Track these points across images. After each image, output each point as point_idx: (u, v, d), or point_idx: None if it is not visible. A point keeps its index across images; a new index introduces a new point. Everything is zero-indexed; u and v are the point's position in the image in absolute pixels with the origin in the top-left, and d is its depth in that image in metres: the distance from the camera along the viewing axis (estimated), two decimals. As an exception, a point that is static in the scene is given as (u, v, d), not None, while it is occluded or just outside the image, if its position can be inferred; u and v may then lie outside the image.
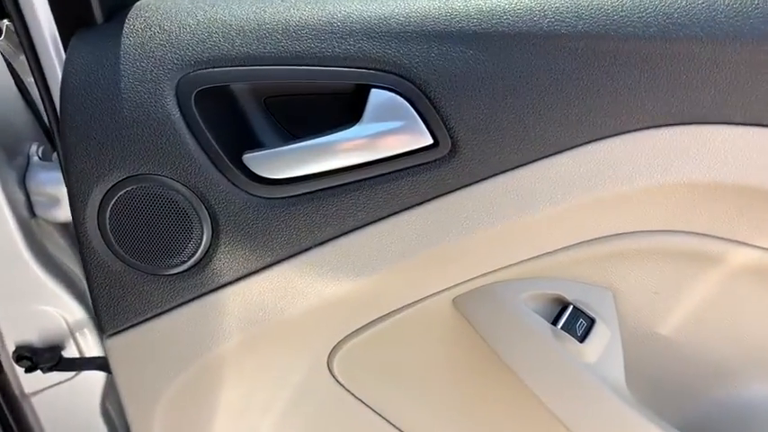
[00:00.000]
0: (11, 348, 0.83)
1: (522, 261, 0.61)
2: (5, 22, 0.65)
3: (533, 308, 0.63)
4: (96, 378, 0.91)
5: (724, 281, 0.63)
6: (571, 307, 0.62)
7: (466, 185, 0.54)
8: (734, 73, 0.49)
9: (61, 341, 0.87)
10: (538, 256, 0.61)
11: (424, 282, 0.62)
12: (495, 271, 0.61)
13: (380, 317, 0.65)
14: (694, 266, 0.62)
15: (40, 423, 0.92)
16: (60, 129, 0.53)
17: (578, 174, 0.53)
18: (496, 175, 0.54)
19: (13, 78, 0.76)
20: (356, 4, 0.53)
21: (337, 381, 0.71)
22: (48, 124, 0.74)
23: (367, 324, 0.66)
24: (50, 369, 0.85)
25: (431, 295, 0.63)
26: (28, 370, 0.83)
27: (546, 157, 0.53)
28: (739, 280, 0.62)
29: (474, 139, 0.53)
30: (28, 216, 0.78)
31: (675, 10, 0.49)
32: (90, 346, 0.88)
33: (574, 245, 0.60)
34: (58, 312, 0.84)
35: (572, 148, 0.52)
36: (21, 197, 0.76)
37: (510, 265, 0.61)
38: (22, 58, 0.66)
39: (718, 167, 0.53)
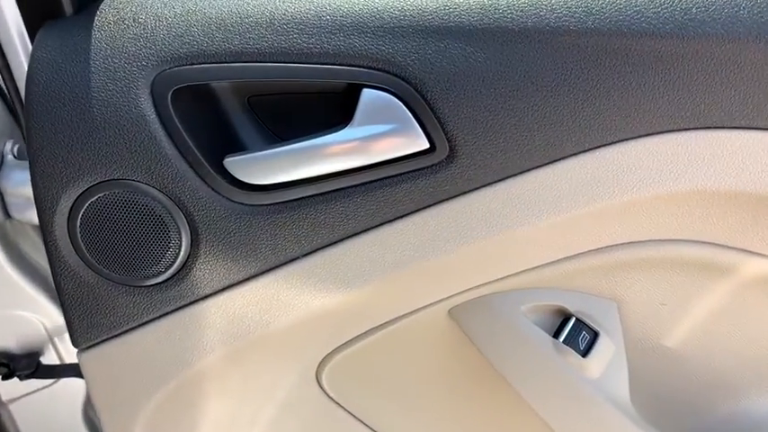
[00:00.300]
0: (-14, 355, 0.80)
1: (522, 271, 0.57)
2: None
3: (534, 320, 0.59)
4: (78, 384, 0.88)
5: (735, 292, 0.59)
6: (573, 319, 0.59)
7: (464, 193, 0.51)
8: (756, 74, 0.46)
9: (40, 347, 0.84)
10: (539, 266, 0.57)
11: (419, 292, 0.58)
12: (494, 281, 0.58)
13: (372, 328, 0.62)
14: (705, 277, 0.58)
15: (18, 431, 0.89)
16: (26, 129, 0.49)
17: (585, 181, 0.49)
18: (497, 181, 0.50)
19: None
20: None
21: (327, 394, 0.67)
22: (19, 122, 0.70)
23: (358, 336, 0.62)
24: (28, 376, 0.82)
25: (426, 306, 0.60)
26: (5, 377, 0.80)
27: (551, 163, 0.49)
28: (751, 291, 0.59)
29: (473, 144, 0.49)
30: (2, 218, 0.74)
31: (694, 5, 0.45)
32: (70, 351, 0.84)
33: (578, 254, 0.57)
34: (36, 317, 0.81)
35: (579, 153, 0.49)
36: (-8, 197, 0.72)
37: (510, 276, 0.58)
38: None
39: (735, 175, 0.49)
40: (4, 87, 0.61)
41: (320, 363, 0.65)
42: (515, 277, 0.58)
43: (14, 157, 0.73)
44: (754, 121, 0.47)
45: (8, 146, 0.75)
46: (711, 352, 0.64)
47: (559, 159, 0.49)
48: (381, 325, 0.61)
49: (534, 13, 0.46)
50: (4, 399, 0.85)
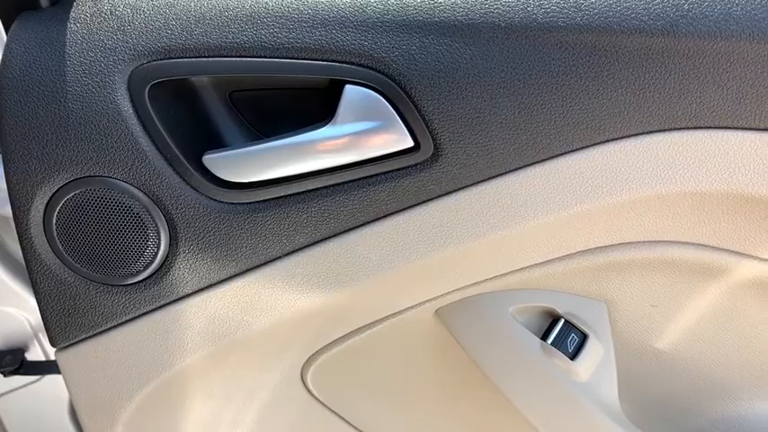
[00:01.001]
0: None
1: (510, 272, 0.56)
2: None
3: (522, 321, 0.58)
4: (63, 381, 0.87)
5: (726, 294, 0.58)
6: (562, 321, 0.58)
7: (450, 192, 0.49)
8: (749, 73, 0.44)
9: (24, 343, 0.83)
10: (528, 267, 0.56)
11: (405, 293, 0.57)
12: (481, 282, 0.57)
13: (358, 328, 0.61)
14: (696, 279, 0.57)
15: (4, 427, 0.88)
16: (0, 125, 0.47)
17: (573, 181, 0.48)
18: (483, 181, 0.49)
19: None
20: None
21: (312, 394, 0.66)
22: None
23: (343, 336, 0.61)
24: (12, 373, 0.81)
25: (412, 307, 0.59)
26: (-14, 374, 0.79)
27: (538, 162, 0.48)
28: (742, 293, 0.58)
29: (459, 142, 0.47)
30: None
31: (686, 2, 0.44)
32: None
33: (567, 255, 0.55)
34: (20, 313, 0.80)
35: (567, 153, 0.48)
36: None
37: (497, 276, 0.57)
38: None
39: (726, 176, 0.48)
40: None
41: (305, 363, 0.64)
42: (503, 278, 0.57)
43: None
44: (746, 122, 0.46)
45: None
46: (702, 354, 0.63)
47: (547, 159, 0.48)
48: (367, 325, 0.60)
49: (522, 9, 0.45)
50: (-11, 395, 0.84)
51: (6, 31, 0.49)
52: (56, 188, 0.48)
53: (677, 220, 0.52)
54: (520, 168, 0.48)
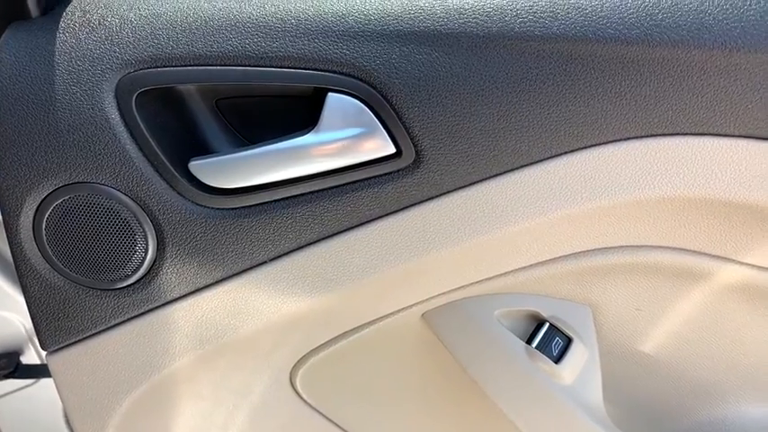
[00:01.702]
0: (-35, 355, 0.80)
1: (495, 276, 0.57)
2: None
3: (507, 325, 0.59)
4: None
5: (710, 297, 0.59)
6: (547, 325, 0.58)
7: (432, 198, 0.50)
8: (724, 81, 0.45)
9: (19, 347, 0.84)
10: (512, 271, 0.57)
11: (390, 297, 0.58)
12: (466, 286, 0.58)
13: (345, 332, 0.61)
14: (680, 283, 0.58)
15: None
16: None
17: (553, 187, 0.49)
18: (464, 187, 0.50)
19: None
20: (312, 1, 0.49)
21: (301, 397, 0.67)
22: None
23: (331, 340, 0.62)
24: (7, 376, 0.82)
25: (398, 310, 0.60)
26: (-17, 377, 0.80)
27: (518, 168, 0.49)
28: (726, 297, 0.59)
29: (440, 149, 0.48)
30: None
31: (660, 11, 0.45)
32: None
33: (550, 260, 0.56)
34: (16, 317, 0.80)
35: (546, 159, 0.48)
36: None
37: (482, 281, 0.57)
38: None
39: (704, 182, 0.48)
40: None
41: (294, 366, 0.64)
42: (488, 282, 0.57)
43: None
44: (721, 128, 0.47)
45: None
46: (688, 358, 0.63)
47: (527, 165, 0.49)
48: (354, 329, 0.61)
49: (499, 18, 0.46)
50: (-16, 398, 0.85)
51: (-3, 40, 0.50)
52: (45, 194, 0.49)
53: (658, 225, 0.53)
54: (500, 174, 0.49)
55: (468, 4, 0.47)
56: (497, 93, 0.46)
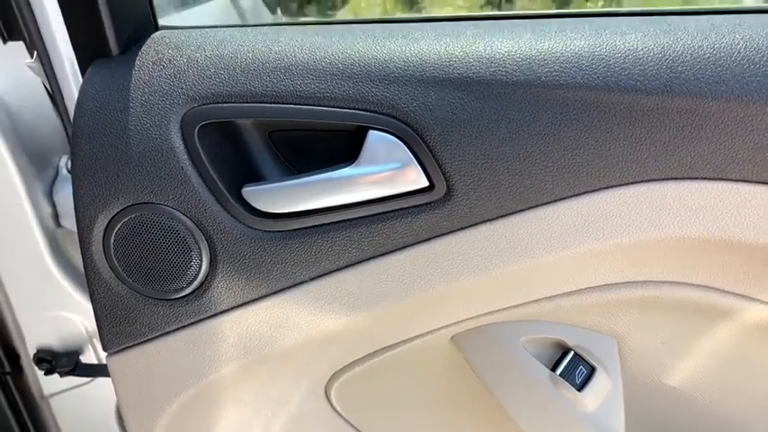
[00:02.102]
0: (32, 351, 0.87)
1: (522, 303, 0.60)
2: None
3: (532, 352, 0.61)
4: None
5: (734, 335, 0.60)
6: (571, 353, 0.60)
7: (461, 228, 0.54)
8: (741, 131, 0.47)
9: (80, 346, 0.91)
10: (538, 300, 0.59)
11: (421, 319, 0.61)
12: (493, 312, 0.60)
13: (378, 350, 0.65)
14: (704, 319, 0.59)
15: (57, 424, 0.96)
16: (72, 154, 0.55)
17: (576, 224, 0.52)
18: (492, 220, 0.53)
19: (48, 95, 0.80)
20: (357, 47, 0.54)
21: (335, 409, 0.71)
22: None
23: (365, 356, 0.66)
24: (67, 373, 0.89)
25: (428, 332, 0.63)
26: (46, 373, 0.87)
27: (542, 205, 0.52)
28: (749, 335, 0.59)
29: (469, 184, 0.52)
30: (53, 226, 0.81)
31: (680, 64, 0.47)
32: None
33: (576, 291, 0.58)
34: (78, 319, 0.87)
35: (569, 197, 0.51)
36: (47, 208, 0.79)
37: (509, 308, 0.60)
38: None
39: (723, 224, 0.50)
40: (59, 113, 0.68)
41: (329, 379, 0.68)
42: (515, 309, 0.60)
43: (68, 171, 0.81)
44: (740, 175, 0.48)
45: (63, 160, 0.83)
46: (711, 393, 0.64)
47: (550, 202, 0.52)
48: (386, 347, 0.65)
49: (527, 68, 0.50)
50: (45, 393, 0.92)
51: (83, 74, 0.57)
52: (115, 211, 0.55)
53: (680, 263, 0.55)
54: (525, 210, 0.52)
55: (499, 53, 0.51)
56: (524, 135, 0.50)
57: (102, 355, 0.92)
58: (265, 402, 0.69)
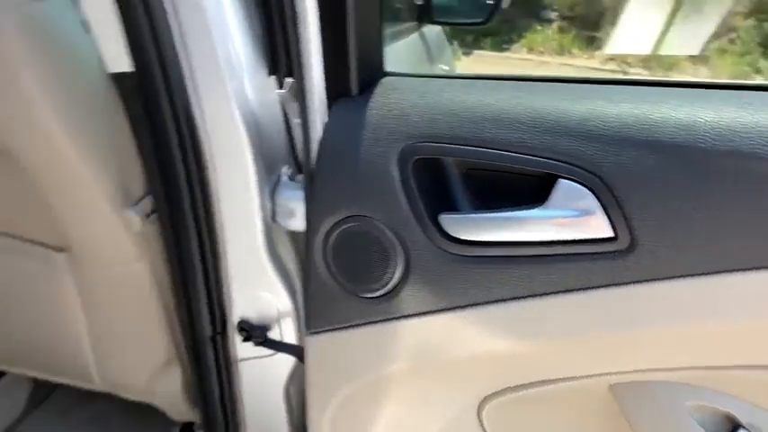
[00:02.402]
0: (236, 320, 1.05)
1: (693, 367, 0.60)
2: (290, 80, 0.86)
3: (698, 419, 0.61)
4: (287, 362, 1.09)
5: None
6: (742, 431, 0.59)
7: (639, 281, 0.57)
8: None
9: (269, 323, 1.07)
10: (712, 367, 0.59)
11: (584, 361, 0.65)
12: (661, 369, 0.61)
13: (536, 382, 0.69)
14: None
15: (240, 386, 1.14)
16: (313, 172, 0.69)
17: (760, 296, 0.52)
18: (674, 278, 0.55)
19: (284, 118, 0.98)
20: (559, 104, 0.60)
21: (483, 428, 0.76)
22: (294, 155, 0.94)
23: (522, 384, 0.71)
24: (259, 344, 1.05)
25: (588, 376, 0.66)
26: (244, 340, 1.04)
27: (730, 271, 0.53)
28: None
29: (654, 240, 0.55)
30: (270, 220, 0.99)
31: None
32: (287, 334, 1.05)
33: (759, 366, 0.57)
34: (273, 300, 1.04)
35: (759, 268, 0.52)
36: (268, 205, 0.97)
37: (680, 368, 0.60)
38: (294, 105, 0.86)
39: None
40: (298, 138, 0.85)
41: (483, 399, 0.74)
42: (685, 371, 0.60)
43: (288, 178, 0.97)
44: None
45: (284, 169, 1.00)
46: None
47: (739, 270, 0.53)
48: (544, 381, 0.69)
49: (728, 138, 0.52)
50: (238, 356, 1.10)
51: (328, 108, 0.72)
52: (338, 219, 0.68)
53: None
54: (711, 273, 0.54)
55: (699, 121, 0.54)
56: (717, 201, 0.52)
57: (285, 334, 1.07)
58: (422, 407, 0.77)
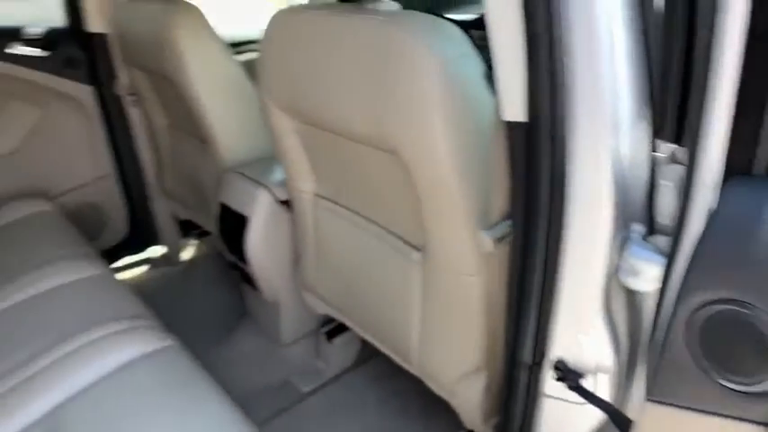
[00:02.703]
0: (553, 358, 1.09)
1: None
2: (671, 145, 0.85)
3: None
4: (592, 415, 1.08)
5: None
6: None
7: None
8: None
9: (584, 372, 1.07)
10: None
11: None
12: None
13: None
14: None
15: (540, 418, 1.17)
16: (679, 240, 0.68)
17: None
18: None
19: (649, 176, 0.96)
20: None
21: None
22: (650, 215, 0.92)
23: None
24: (572, 388, 1.06)
25: None
26: (558, 379, 1.07)
27: None
28: None
29: None
30: (612, 273, 0.98)
31: None
32: (600, 388, 1.03)
33: None
34: (594, 351, 1.03)
35: None
36: (615, 259, 0.97)
37: None
38: (669, 168, 0.86)
39: None
40: (661, 201, 0.85)
41: None
42: None
43: (641, 237, 0.96)
44: None
45: (637, 227, 0.98)
46: None
47: None
48: None
49: None
50: (546, 392, 1.13)
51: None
52: (713, 298, 0.66)
53: None
54: None
55: None
56: None
57: (599, 387, 1.05)
58: None
